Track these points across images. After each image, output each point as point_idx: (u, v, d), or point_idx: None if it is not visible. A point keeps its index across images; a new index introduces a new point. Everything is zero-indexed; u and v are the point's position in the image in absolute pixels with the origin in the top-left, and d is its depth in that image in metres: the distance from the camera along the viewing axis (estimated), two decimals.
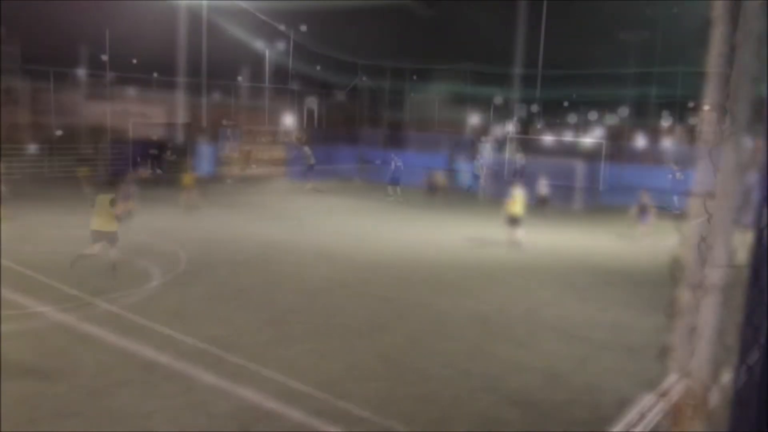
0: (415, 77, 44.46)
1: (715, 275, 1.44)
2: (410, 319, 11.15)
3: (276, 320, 10.59)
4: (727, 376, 1.78)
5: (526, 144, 34.58)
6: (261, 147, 33.64)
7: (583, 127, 43.23)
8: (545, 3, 32.75)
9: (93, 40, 31.51)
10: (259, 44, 37.08)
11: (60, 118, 29.98)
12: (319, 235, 18.63)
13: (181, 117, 32.92)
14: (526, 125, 41.04)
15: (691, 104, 35.59)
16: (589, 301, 12.99)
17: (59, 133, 29.69)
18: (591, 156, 30.40)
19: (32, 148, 28.04)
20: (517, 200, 17.79)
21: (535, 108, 41.31)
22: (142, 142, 29.71)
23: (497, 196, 24.00)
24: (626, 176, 29.19)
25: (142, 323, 9.98)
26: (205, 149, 31.81)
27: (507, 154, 32.73)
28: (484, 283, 14.06)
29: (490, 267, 15.65)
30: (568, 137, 39.74)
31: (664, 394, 1.59)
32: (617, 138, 37.23)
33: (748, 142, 1.45)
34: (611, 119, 42.52)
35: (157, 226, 17.67)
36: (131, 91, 32.82)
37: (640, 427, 1.46)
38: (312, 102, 41.71)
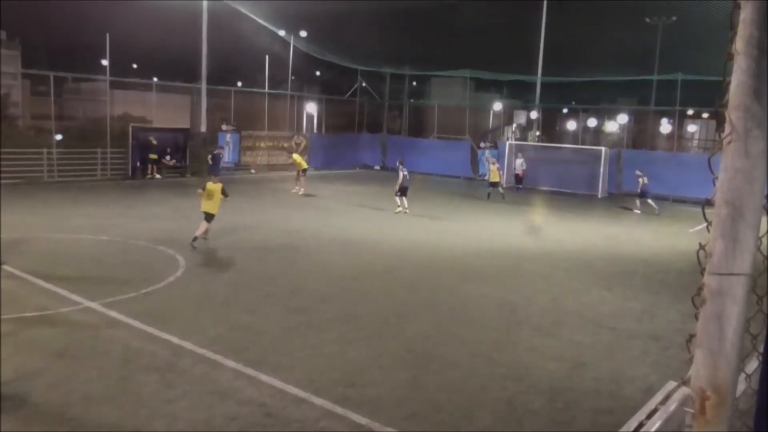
0: (414, 83, 44.54)
1: (744, 263, 1.43)
2: (436, 308, 11.17)
3: (302, 308, 10.68)
4: (753, 364, 1.77)
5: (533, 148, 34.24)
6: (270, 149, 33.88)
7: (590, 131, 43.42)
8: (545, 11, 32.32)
9: (93, 44, 31.55)
10: (259, 48, 36.63)
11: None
12: (344, 227, 18.79)
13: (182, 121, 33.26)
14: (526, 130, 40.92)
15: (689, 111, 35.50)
16: (615, 290, 12.91)
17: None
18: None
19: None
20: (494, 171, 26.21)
21: (534, 114, 40.88)
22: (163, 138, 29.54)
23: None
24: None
25: (169, 310, 10.14)
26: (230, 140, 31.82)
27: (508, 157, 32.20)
28: (510, 273, 14.02)
29: (515, 257, 15.62)
30: (574, 143, 40.13)
31: (687, 382, 1.58)
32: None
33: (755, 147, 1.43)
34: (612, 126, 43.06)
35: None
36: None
37: (662, 415, 1.46)
38: (312, 107, 41.77)
